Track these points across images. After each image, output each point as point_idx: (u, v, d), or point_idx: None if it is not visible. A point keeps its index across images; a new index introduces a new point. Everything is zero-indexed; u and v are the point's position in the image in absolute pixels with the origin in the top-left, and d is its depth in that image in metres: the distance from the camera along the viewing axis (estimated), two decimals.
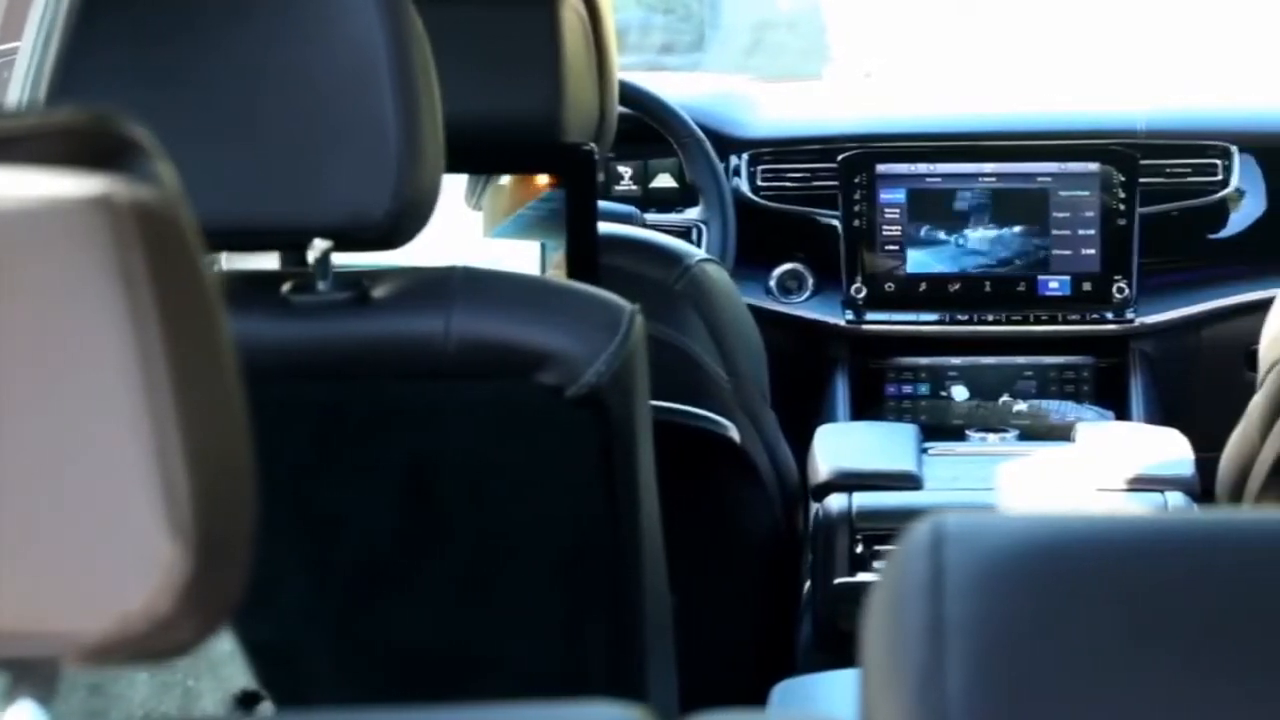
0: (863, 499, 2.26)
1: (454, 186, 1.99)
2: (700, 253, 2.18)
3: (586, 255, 2.00)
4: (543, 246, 1.98)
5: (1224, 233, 2.85)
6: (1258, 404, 2.19)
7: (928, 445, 2.47)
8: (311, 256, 1.45)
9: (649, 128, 2.74)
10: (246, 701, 1.48)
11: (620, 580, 1.50)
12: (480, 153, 1.99)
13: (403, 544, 1.49)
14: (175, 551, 0.73)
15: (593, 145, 2.00)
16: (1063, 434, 2.59)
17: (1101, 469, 2.32)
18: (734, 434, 2.14)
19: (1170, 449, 2.39)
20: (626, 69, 3.01)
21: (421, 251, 1.66)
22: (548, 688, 1.50)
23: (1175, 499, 2.27)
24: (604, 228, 2.09)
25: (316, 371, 1.45)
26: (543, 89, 1.96)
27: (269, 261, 1.84)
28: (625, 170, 2.92)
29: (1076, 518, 0.83)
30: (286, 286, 1.47)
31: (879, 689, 0.80)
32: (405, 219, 1.43)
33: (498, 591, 1.49)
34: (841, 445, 2.39)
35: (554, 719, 0.86)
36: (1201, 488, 2.35)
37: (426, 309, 1.45)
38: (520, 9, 1.98)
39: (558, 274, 2.01)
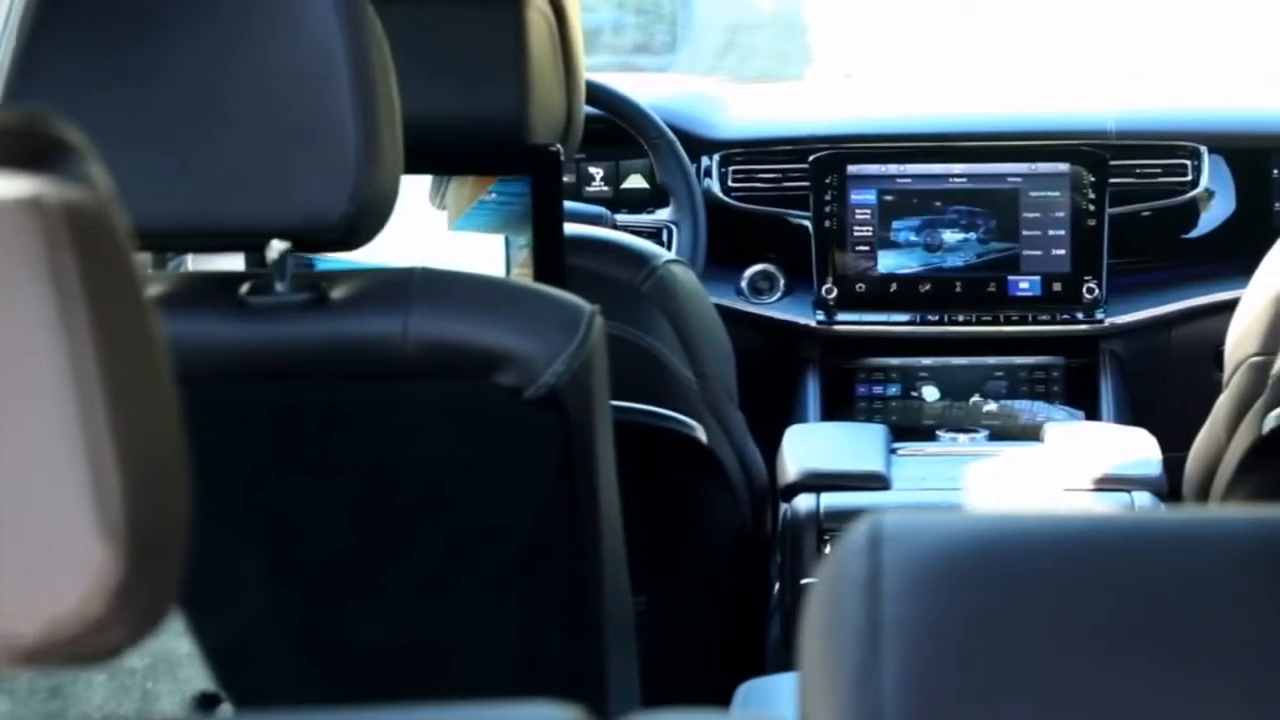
0: (831, 499, 2.27)
1: (417, 186, 1.99)
2: (667, 254, 2.18)
3: (553, 256, 2.00)
4: (506, 240, 1.98)
5: (1193, 233, 2.85)
6: (1223, 403, 2.20)
7: (897, 445, 2.48)
8: (269, 258, 1.45)
9: (620, 129, 2.74)
10: (205, 703, 1.47)
11: (580, 580, 1.50)
12: (446, 154, 1.99)
13: (362, 545, 1.49)
14: (107, 553, 0.73)
15: (559, 146, 2.00)
16: (1033, 434, 2.59)
17: (1069, 469, 2.33)
18: (701, 434, 2.14)
19: (1138, 449, 2.39)
20: (599, 70, 3.02)
21: (391, 249, 1.66)
22: (508, 687, 1.50)
23: (1142, 499, 2.28)
24: (570, 229, 2.09)
25: (274, 373, 1.45)
26: (509, 90, 1.96)
27: (235, 262, 1.84)
28: (596, 171, 2.93)
29: (1014, 517, 0.83)
30: (244, 288, 1.46)
31: (815, 688, 0.80)
32: (363, 220, 1.43)
33: (457, 592, 1.49)
34: (810, 446, 2.40)
35: (493, 718, 0.86)
36: (1171, 487, 2.36)
37: (384, 310, 1.45)
38: (486, 10, 1.98)
39: (524, 273, 2.01)
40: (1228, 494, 2.17)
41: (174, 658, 1.46)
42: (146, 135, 1.40)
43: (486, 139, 1.98)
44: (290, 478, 1.47)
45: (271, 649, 1.49)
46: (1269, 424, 2.07)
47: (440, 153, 1.99)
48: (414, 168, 2.01)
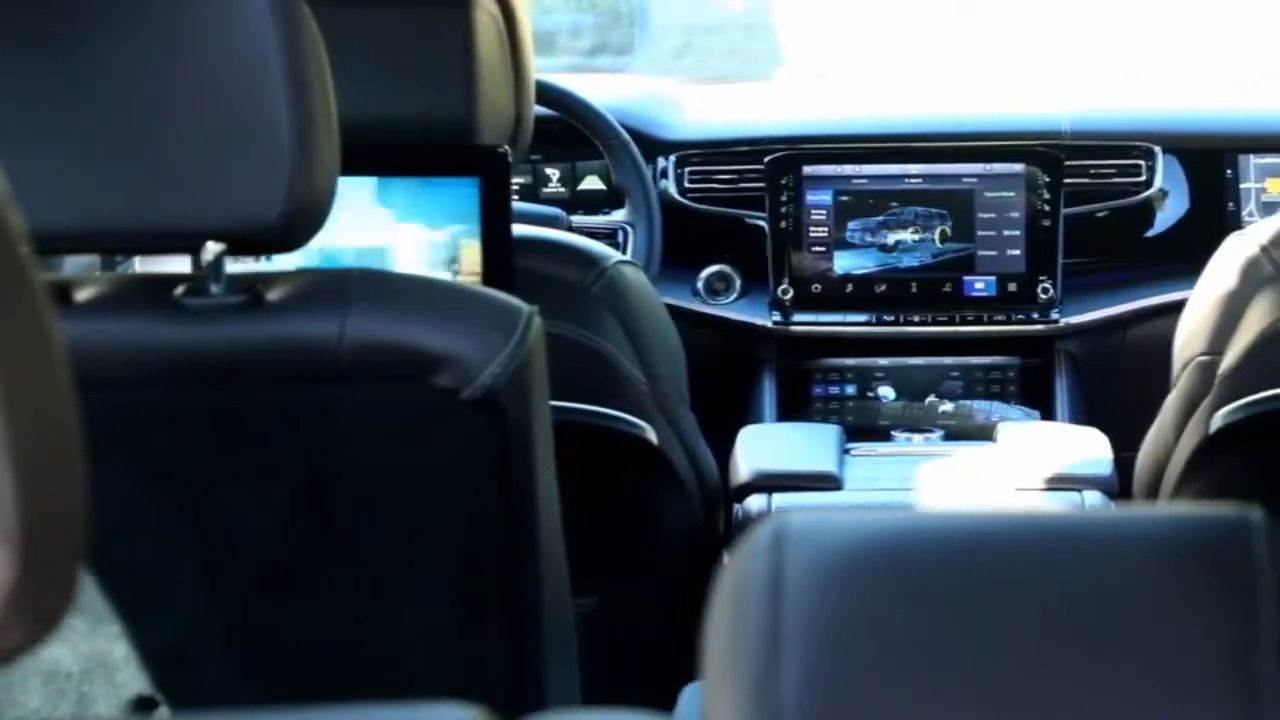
0: (782, 500, 2.27)
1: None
2: (617, 255, 2.18)
3: (501, 257, 2.00)
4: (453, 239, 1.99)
5: (1148, 233, 2.86)
6: (1171, 402, 2.20)
7: (850, 446, 2.48)
8: (204, 259, 1.44)
9: (577, 129, 2.74)
10: (142, 707, 1.47)
11: (518, 581, 1.50)
12: (394, 155, 1.99)
13: (299, 547, 1.48)
14: (1, 558, 0.73)
15: (507, 148, 2.00)
16: (988, 434, 2.60)
17: (1020, 468, 2.33)
18: (651, 435, 2.14)
19: (1089, 448, 2.40)
20: (555, 71, 3.02)
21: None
22: (446, 688, 1.50)
23: (1093, 498, 2.29)
24: (520, 230, 2.09)
25: (209, 375, 1.45)
26: (456, 91, 1.96)
27: (183, 264, 1.84)
28: (553, 172, 2.93)
29: (918, 517, 0.83)
30: (179, 290, 1.46)
31: (717, 688, 0.80)
32: (299, 221, 1.43)
33: (395, 593, 1.49)
34: (763, 446, 2.40)
35: (395, 718, 0.86)
36: (1124, 486, 2.37)
37: (321, 312, 1.45)
38: (433, 11, 1.98)
39: (474, 279, 2.01)
40: (1176, 492, 2.18)
41: (110, 661, 1.46)
42: (79, 137, 1.40)
43: (434, 140, 1.98)
44: (227, 480, 1.47)
45: (208, 652, 1.49)
46: (1216, 423, 2.08)
47: (387, 154, 1.98)
48: (361, 169, 2.02)
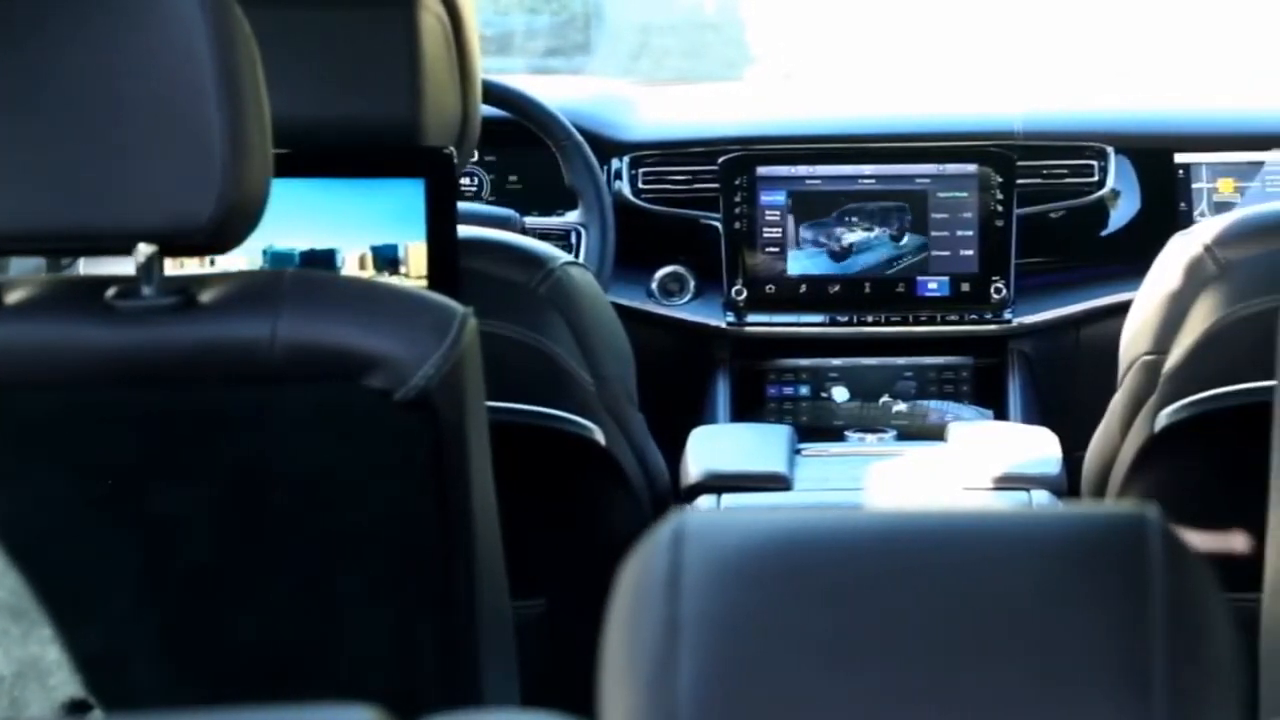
0: (731, 500, 2.27)
1: None
2: (564, 256, 2.18)
3: (446, 259, 2.00)
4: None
5: (1101, 233, 2.87)
6: (1118, 402, 2.21)
7: (802, 446, 2.48)
8: (135, 261, 1.44)
9: (531, 130, 2.73)
10: (75, 710, 1.47)
11: (453, 581, 1.50)
12: (339, 157, 1.99)
13: (233, 549, 1.48)
14: None
15: (452, 149, 2.00)
16: (941, 434, 2.60)
17: (970, 468, 2.34)
18: (598, 436, 2.14)
19: (1039, 448, 2.41)
20: (511, 72, 3.01)
21: None
22: (382, 689, 1.50)
23: (1040, 497, 2.29)
24: (466, 231, 2.09)
25: (142, 377, 1.45)
26: (401, 92, 1.96)
27: (128, 265, 1.84)
28: (508, 173, 2.93)
29: (817, 515, 0.84)
30: (111, 292, 1.46)
31: (614, 685, 0.80)
32: (231, 223, 1.43)
33: (330, 594, 1.49)
34: (713, 447, 2.40)
35: (295, 719, 0.86)
36: (1073, 485, 2.38)
37: (253, 314, 1.45)
38: (377, 12, 1.98)
39: (421, 281, 2.01)
40: (1123, 492, 2.19)
41: (43, 665, 1.46)
42: (7, 139, 1.39)
43: (380, 142, 1.97)
44: (161, 482, 1.47)
45: (142, 656, 1.48)
46: (1161, 422, 2.09)
47: (333, 156, 1.98)
48: (305, 171, 2.02)
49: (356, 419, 1.46)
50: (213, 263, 1.97)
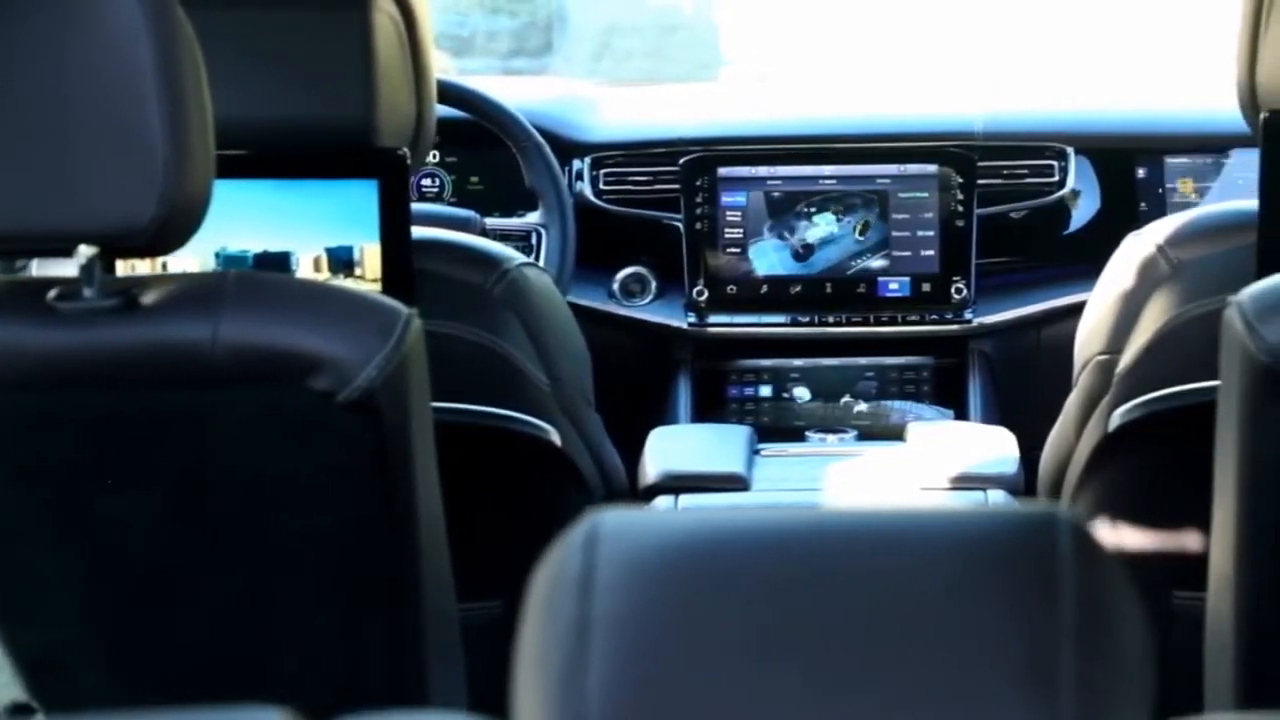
0: (689, 501, 2.27)
1: None
2: (520, 257, 2.18)
3: (400, 260, 2.00)
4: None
5: (1061, 234, 2.88)
6: (1072, 402, 2.22)
7: (761, 446, 2.49)
8: (76, 263, 1.44)
9: (493, 131, 2.73)
10: (18, 713, 1.46)
11: (398, 582, 1.50)
12: (292, 158, 1.98)
13: (177, 551, 1.48)
14: None
15: (405, 150, 2.00)
16: (901, 434, 2.61)
17: (927, 468, 2.34)
18: (554, 437, 2.14)
19: (996, 448, 2.41)
20: (473, 74, 3.01)
21: None
22: (329, 690, 1.50)
23: (997, 496, 2.29)
24: (422, 232, 2.09)
25: (83, 379, 1.44)
26: (355, 93, 1.96)
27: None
28: (469, 174, 2.93)
29: (733, 515, 0.84)
30: (53, 294, 1.46)
31: (526, 684, 0.80)
32: (173, 225, 1.43)
33: (275, 596, 1.49)
34: (672, 447, 2.40)
35: None
36: (1031, 485, 2.38)
37: (194, 315, 1.45)
38: (330, 13, 1.97)
39: (376, 283, 2.01)
40: (1077, 491, 2.19)
41: None
42: None
43: (333, 142, 1.97)
44: (104, 485, 1.47)
45: (87, 659, 1.48)
46: (1114, 421, 2.10)
47: (285, 156, 1.98)
48: (258, 172, 2.01)
49: (300, 420, 1.46)
50: (165, 265, 1.96)
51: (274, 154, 1.95)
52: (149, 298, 1.46)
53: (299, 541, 1.49)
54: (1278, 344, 1.47)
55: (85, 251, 1.43)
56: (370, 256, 2.04)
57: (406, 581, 1.51)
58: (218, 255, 2.00)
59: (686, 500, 2.27)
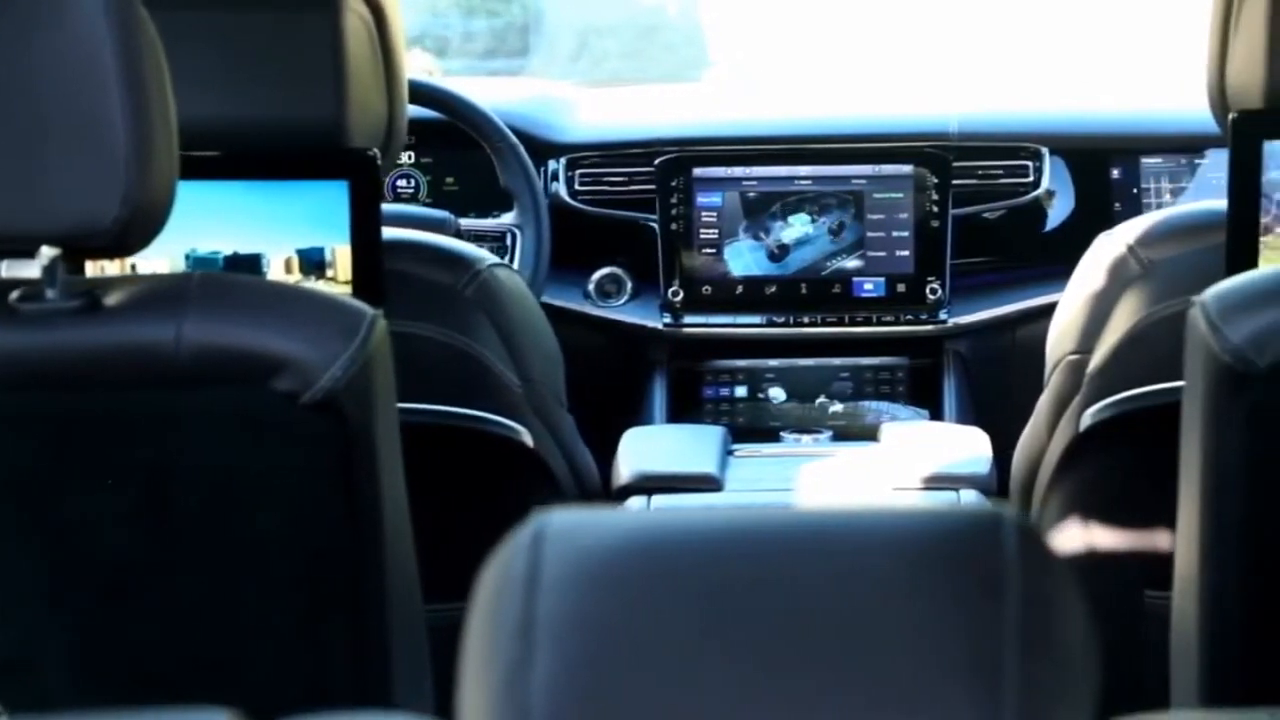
0: (661, 502, 2.27)
1: None
2: (491, 258, 2.18)
3: (371, 260, 1.99)
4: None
5: (1036, 234, 2.88)
6: (1044, 402, 2.22)
7: (735, 447, 2.49)
8: (39, 264, 1.44)
9: (468, 132, 2.73)
10: None
11: (362, 584, 1.50)
12: (262, 158, 1.98)
13: (141, 553, 1.48)
14: None
15: (376, 150, 1.99)
16: (876, 434, 2.61)
17: (901, 468, 2.34)
18: (526, 438, 2.14)
19: (969, 448, 2.41)
20: (449, 75, 3.01)
21: None
22: (290, 693, 1.50)
23: (969, 496, 2.30)
24: (393, 233, 2.09)
25: (46, 381, 1.44)
26: (326, 94, 1.96)
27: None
28: (445, 174, 2.92)
29: (679, 515, 0.84)
30: (15, 295, 1.45)
31: (471, 684, 0.80)
32: (136, 226, 1.42)
33: (239, 597, 1.49)
34: (646, 448, 2.40)
35: None
36: (1005, 485, 2.38)
37: (157, 316, 1.44)
38: (301, 14, 1.97)
39: (348, 285, 2.00)
40: (1049, 491, 2.20)
41: None
42: None
43: (304, 143, 1.97)
44: (68, 487, 1.46)
45: (50, 660, 1.48)
46: (1085, 421, 2.10)
47: (256, 158, 1.98)
48: (229, 173, 2.01)
49: (263, 422, 1.46)
50: (134, 267, 1.96)
51: (245, 155, 1.95)
52: (112, 299, 1.46)
53: (263, 542, 1.48)
54: (1240, 344, 1.48)
55: (47, 252, 1.43)
56: (342, 258, 2.04)
57: (371, 583, 1.51)
58: (188, 257, 2.00)
59: (659, 501, 2.27)
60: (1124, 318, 2.07)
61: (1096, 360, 2.09)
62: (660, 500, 2.27)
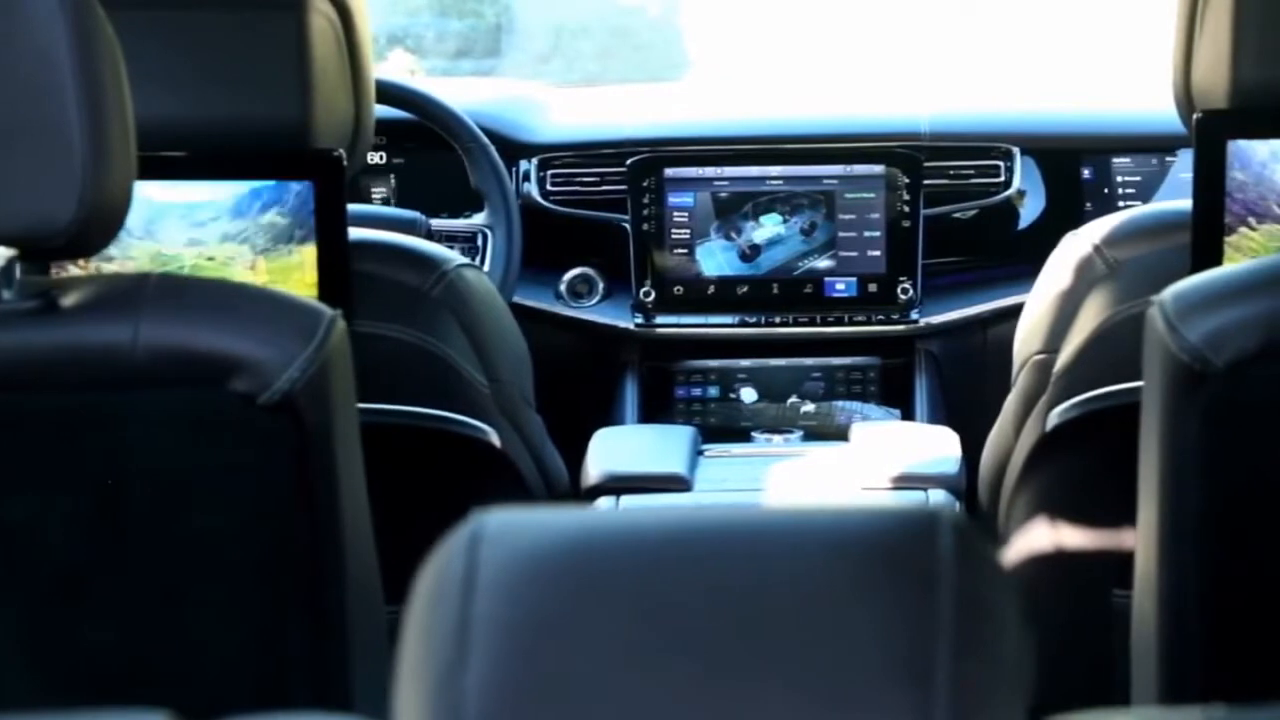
0: (630, 502, 2.27)
1: None
2: (459, 258, 2.18)
3: (337, 262, 1.99)
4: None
5: (1007, 234, 2.88)
6: (1011, 401, 2.22)
7: (705, 447, 2.49)
8: None
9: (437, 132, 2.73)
10: None
11: (321, 587, 1.50)
12: (228, 160, 1.98)
13: (97, 555, 1.47)
14: None
15: (341, 151, 1.99)
16: (847, 434, 2.61)
17: (870, 468, 2.34)
18: (493, 438, 2.13)
19: (939, 448, 2.42)
20: (422, 75, 3.00)
21: None
22: (247, 695, 1.49)
23: (938, 496, 2.30)
24: (360, 233, 2.08)
25: (2, 382, 1.44)
26: (291, 94, 1.95)
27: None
28: (415, 175, 2.92)
29: (613, 515, 0.84)
30: None
31: (406, 685, 0.80)
32: (92, 227, 1.42)
33: (196, 599, 1.48)
34: (615, 448, 2.40)
35: None
36: (974, 485, 2.39)
37: (114, 317, 1.44)
38: (266, 14, 1.97)
39: (310, 290, 2.00)
40: (1016, 490, 2.20)
41: None
42: None
43: (269, 144, 1.97)
44: (21, 488, 1.46)
45: (3, 662, 1.47)
46: (1052, 420, 2.10)
47: (221, 158, 1.97)
48: (195, 173, 2.01)
49: (220, 423, 1.46)
50: (99, 269, 1.96)
51: (210, 156, 1.95)
52: (69, 299, 1.45)
53: (218, 543, 1.48)
54: (1197, 343, 1.48)
55: (3, 253, 1.43)
56: (308, 258, 2.03)
57: (330, 583, 1.50)
58: (154, 258, 2.00)
59: (628, 501, 2.27)
60: (1090, 317, 2.07)
61: (1063, 360, 2.10)
62: (629, 501, 2.27)
